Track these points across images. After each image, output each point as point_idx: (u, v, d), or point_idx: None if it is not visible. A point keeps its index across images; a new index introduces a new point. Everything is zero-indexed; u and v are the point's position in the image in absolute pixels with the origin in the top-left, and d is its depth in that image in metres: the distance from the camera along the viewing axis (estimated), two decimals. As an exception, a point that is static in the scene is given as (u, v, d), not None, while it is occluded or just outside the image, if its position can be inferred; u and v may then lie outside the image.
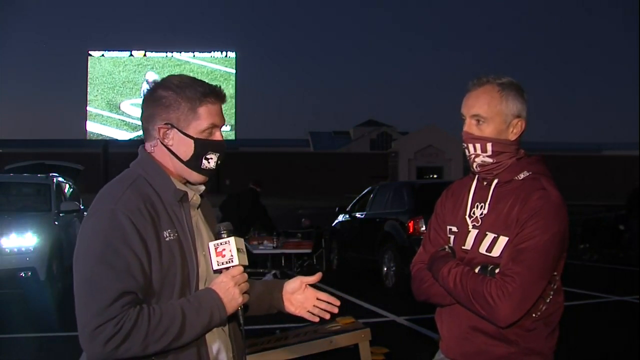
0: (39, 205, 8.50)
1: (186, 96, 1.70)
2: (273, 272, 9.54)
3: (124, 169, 1.78)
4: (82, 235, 1.63)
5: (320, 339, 4.11)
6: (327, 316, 1.95)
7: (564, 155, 52.77)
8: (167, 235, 1.64)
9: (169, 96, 1.70)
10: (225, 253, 1.68)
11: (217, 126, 1.74)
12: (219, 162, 1.76)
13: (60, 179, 9.47)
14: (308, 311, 1.94)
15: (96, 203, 1.66)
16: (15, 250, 7.14)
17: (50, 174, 9.36)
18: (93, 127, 39.83)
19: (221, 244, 1.69)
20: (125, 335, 1.52)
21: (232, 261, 1.67)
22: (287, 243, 8.72)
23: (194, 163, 1.72)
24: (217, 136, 1.75)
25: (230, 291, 1.66)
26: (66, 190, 9.49)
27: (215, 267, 1.69)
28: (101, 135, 39.92)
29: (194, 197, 1.78)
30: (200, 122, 1.70)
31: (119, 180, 1.70)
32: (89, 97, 39.37)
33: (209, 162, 1.74)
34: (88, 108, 39.34)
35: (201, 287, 1.71)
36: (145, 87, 37.72)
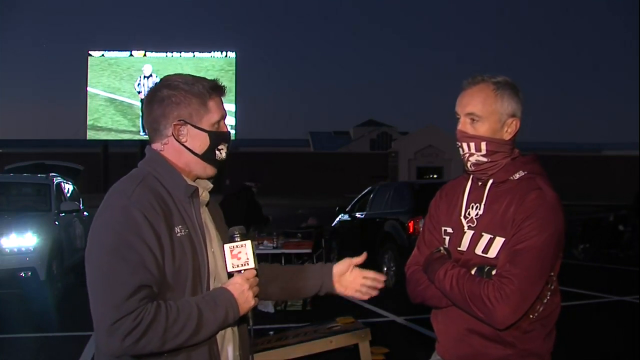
0: (39, 205, 8.51)
1: (195, 92, 1.74)
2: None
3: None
4: (94, 231, 1.64)
5: (320, 339, 4.11)
6: (375, 293, 2.02)
7: (564, 155, 52.74)
8: (179, 230, 1.67)
9: (177, 94, 1.74)
10: (241, 256, 1.70)
11: (224, 117, 1.81)
12: (227, 151, 1.82)
13: (60, 179, 9.47)
14: (357, 290, 2.01)
15: (108, 199, 1.67)
16: (15, 250, 7.15)
17: (50, 174, 9.36)
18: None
19: (237, 246, 1.71)
20: (144, 330, 1.52)
21: (247, 264, 1.70)
22: (287, 243, 8.68)
23: (208, 155, 1.77)
24: (224, 127, 1.81)
25: (245, 293, 1.69)
26: (66, 190, 9.49)
27: (230, 269, 1.71)
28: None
29: (203, 193, 1.81)
30: (211, 115, 1.76)
31: (128, 178, 1.73)
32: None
33: (220, 153, 1.79)
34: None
35: (211, 283, 1.73)
36: (143, 82, 37.73)
